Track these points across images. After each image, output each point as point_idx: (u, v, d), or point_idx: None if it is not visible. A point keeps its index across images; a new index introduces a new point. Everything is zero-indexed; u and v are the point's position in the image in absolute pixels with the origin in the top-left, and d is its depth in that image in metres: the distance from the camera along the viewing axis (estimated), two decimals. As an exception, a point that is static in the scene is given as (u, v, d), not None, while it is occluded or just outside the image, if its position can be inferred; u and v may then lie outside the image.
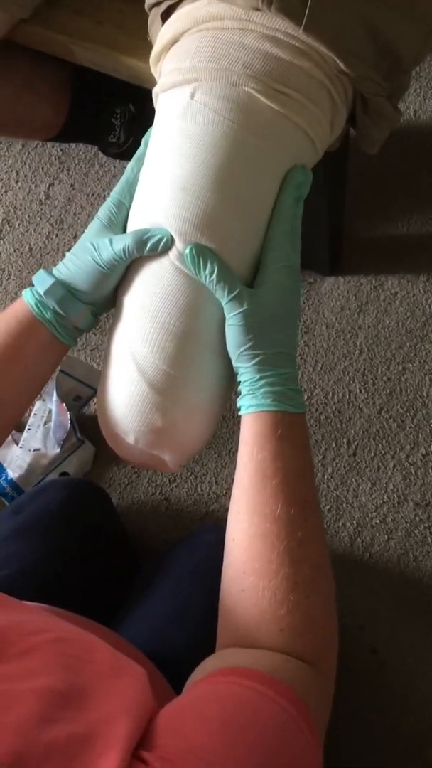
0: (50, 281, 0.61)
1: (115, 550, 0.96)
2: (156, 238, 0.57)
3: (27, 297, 0.62)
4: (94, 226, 0.62)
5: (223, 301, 0.57)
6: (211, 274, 0.56)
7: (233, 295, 0.56)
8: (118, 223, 0.62)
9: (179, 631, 0.77)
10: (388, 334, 1.19)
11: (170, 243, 0.57)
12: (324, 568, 0.56)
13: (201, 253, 0.56)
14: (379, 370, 1.18)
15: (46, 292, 0.61)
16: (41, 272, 0.62)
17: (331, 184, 0.96)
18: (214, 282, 0.56)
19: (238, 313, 0.56)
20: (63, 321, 0.62)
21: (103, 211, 0.62)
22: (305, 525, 0.55)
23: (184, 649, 0.72)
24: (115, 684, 0.45)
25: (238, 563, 0.55)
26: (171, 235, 0.57)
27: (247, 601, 0.54)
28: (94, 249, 0.60)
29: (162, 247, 0.57)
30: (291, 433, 0.57)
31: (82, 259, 0.61)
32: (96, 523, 0.91)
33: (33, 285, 0.62)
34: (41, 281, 0.61)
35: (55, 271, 0.62)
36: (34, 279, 0.62)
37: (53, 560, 0.84)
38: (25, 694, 0.40)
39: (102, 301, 0.63)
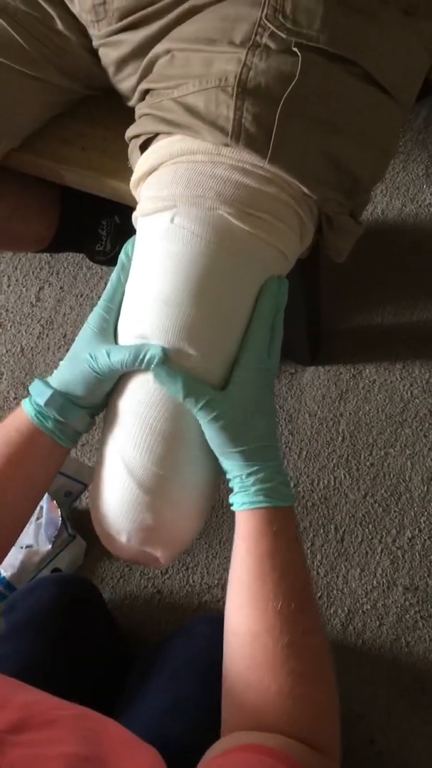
0: (49, 392, 0.63)
1: (106, 646, 0.96)
2: (150, 356, 0.60)
3: (27, 408, 0.64)
4: (86, 333, 0.65)
5: (194, 411, 0.60)
6: (178, 391, 0.59)
7: (201, 404, 0.59)
8: (110, 330, 0.65)
9: (175, 726, 0.77)
10: (368, 420, 1.23)
11: (164, 359, 0.60)
12: (325, 657, 0.58)
13: (165, 374, 0.60)
14: (362, 456, 1.21)
15: (46, 403, 0.63)
16: (37, 382, 0.64)
17: (306, 285, 1.02)
18: (182, 397, 0.59)
19: (211, 419, 0.59)
20: (63, 427, 0.64)
21: (94, 319, 0.65)
22: (304, 618, 0.57)
23: (180, 744, 0.72)
24: (133, 754, 0.47)
25: (241, 658, 0.57)
26: (164, 352, 0.60)
27: (253, 695, 0.55)
28: (91, 358, 0.62)
29: (156, 363, 0.60)
30: (284, 527, 0.59)
31: (79, 367, 0.63)
32: (87, 619, 0.92)
33: (30, 394, 0.65)
34: (39, 392, 0.64)
35: (51, 380, 0.65)
36: (32, 389, 0.64)
37: (47, 659, 0.84)
38: (55, 759, 0.42)
39: (98, 404, 0.66)
